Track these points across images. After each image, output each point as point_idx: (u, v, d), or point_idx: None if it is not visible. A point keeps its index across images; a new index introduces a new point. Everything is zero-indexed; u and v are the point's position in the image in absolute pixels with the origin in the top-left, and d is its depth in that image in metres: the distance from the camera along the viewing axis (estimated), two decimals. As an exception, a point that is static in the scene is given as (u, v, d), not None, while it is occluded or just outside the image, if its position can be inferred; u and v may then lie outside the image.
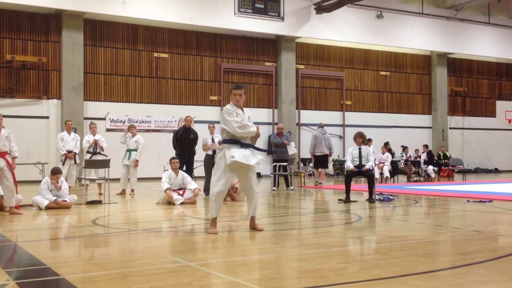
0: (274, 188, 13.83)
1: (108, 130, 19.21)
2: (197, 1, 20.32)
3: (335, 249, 5.31)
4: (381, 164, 17.37)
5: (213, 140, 11.82)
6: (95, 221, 7.69)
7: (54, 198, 9.41)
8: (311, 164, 21.98)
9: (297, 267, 4.58)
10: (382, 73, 25.62)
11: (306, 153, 22.77)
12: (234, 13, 21.05)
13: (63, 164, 12.17)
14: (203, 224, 7.57)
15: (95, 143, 12.46)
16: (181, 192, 10.25)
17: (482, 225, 7.00)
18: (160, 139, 19.73)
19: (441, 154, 22.13)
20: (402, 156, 19.46)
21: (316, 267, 4.47)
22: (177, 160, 10.58)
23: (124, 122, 19.34)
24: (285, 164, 13.87)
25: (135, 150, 12.75)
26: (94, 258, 5.11)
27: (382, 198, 10.60)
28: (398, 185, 16.08)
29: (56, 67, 19.08)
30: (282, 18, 22.00)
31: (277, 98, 23.01)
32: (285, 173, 13.90)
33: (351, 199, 10.39)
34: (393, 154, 18.73)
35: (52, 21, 19.05)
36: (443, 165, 21.37)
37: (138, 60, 20.56)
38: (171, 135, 13.94)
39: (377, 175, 16.02)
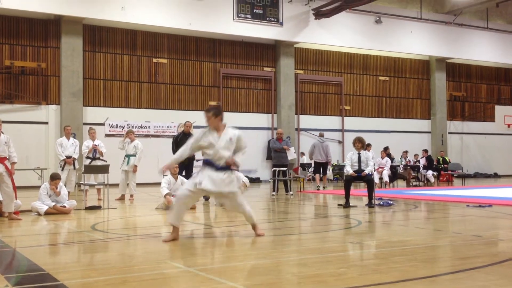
0: (274, 193, 13.82)
1: (107, 135, 19.21)
2: (196, 6, 20.37)
3: (335, 254, 5.30)
4: (380, 169, 17.37)
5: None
6: (94, 227, 7.68)
7: (53, 203, 9.39)
8: (311, 169, 22.10)
9: (297, 272, 4.57)
10: (381, 78, 25.66)
11: (305, 159, 22.80)
12: (233, 19, 21.10)
13: (62, 169, 12.15)
14: (203, 229, 7.56)
15: (94, 148, 12.46)
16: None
17: (481, 230, 7.00)
18: (159, 145, 19.72)
19: (440, 159, 22.13)
20: (402, 161, 19.46)
21: (315, 272, 4.46)
22: (177, 166, 10.57)
23: (123, 128, 19.34)
24: (284, 169, 13.87)
25: (134, 155, 12.75)
26: (93, 264, 5.10)
27: (381, 203, 10.59)
28: (397, 190, 16.08)
29: (55, 73, 19.10)
30: (281, 24, 22.05)
31: (276, 103, 23.03)
32: (285, 178, 13.90)
33: (351, 204, 10.38)
34: (392, 159, 18.73)
35: (51, 27, 19.08)
36: (442, 169, 21.37)
37: (137, 65, 20.58)
38: (170, 140, 13.92)
39: (376, 180, 16.21)
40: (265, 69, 23.00)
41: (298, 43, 23.10)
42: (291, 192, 13.60)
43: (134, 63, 20.53)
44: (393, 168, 18.07)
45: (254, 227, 6.50)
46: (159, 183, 10.62)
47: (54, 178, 9.59)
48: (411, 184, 19.03)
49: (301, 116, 23.52)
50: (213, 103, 21.62)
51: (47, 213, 9.18)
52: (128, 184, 12.73)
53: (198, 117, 20.78)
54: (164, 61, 21.04)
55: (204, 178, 6.08)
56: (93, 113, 19.51)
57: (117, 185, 12.96)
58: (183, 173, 11.78)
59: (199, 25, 20.47)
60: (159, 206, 10.29)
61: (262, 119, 22.82)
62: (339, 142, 24.27)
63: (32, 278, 4.41)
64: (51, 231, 7.72)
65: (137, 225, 8.35)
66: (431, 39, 25.67)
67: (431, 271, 4.48)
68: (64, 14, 18.49)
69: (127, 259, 5.22)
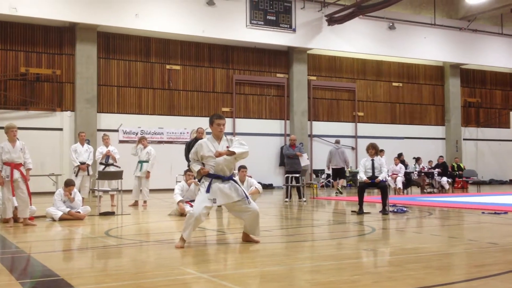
0: (287, 199, 13.79)
1: (121, 141, 19.30)
2: (209, 13, 20.46)
3: (349, 261, 5.26)
4: (394, 175, 17.28)
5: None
6: (108, 233, 7.71)
7: (68, 209, 9.46)
8: (323, 176, 22.10)
9: (310, 279, 4.55)
10: (394, 84, 25.54)
11: (318, 165, 22.75)
12: (246, 25, 21.15)
13: (76, 175, 12.22)
14: (216, 235, 7.56)
15: (108, 154, 12.53)
16: (193, 203, 10.23)
17: (497, 237, 6.91)
18: (172, 151, 19.77)
19: (455, 165, 21.95)
20: (416, 168, 19.32)
21: (329, 279, 4.43)
22: (192, 174, 10.51)
23: (136, 134, 19.44)
24: (297, 175, 13.84)
25: (147, 161, 12.81)
26: (107, 269, 5.12)
27: (395, 210, 10.52)
28: (411, 197, 15.96)
29: (70, 80, 19.26)
30: (294, 30, 22.07)
31: (289, 109, 23.01)
32: (298, 184, 13.87)
33: (364, 211, 10.32)
34: (406, 166, 18.61)
35: (66, 34, 19.26)
36: (457, 176, 21.19)
37: (151, 72, 20.70)
38: (183, 146, 13.97)
39: (392, 185, 16.77)
40: (278, 75, 23.01)
41: (311, 50, 23.09)
42: (304, 199, 13.56)
43: (148, 70, 20.65)
44: (407, 175, 17.96)
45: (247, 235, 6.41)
46: (172, 189, 10.66)
47: (69, 184, 9.66)
48: (425, 191, 18.88)
49: (314, 123, 23.47)
50: (226, 109, 21.66)
51: (61, 219, 9.24)
52: (141, 190, 12.78)
53: (211, 124, 20.87)
54: (177, 67, 21.14)
55: (216, 195, 6.13)
56: (107, 120, 19.64)
57: (130, 191, 13.02)
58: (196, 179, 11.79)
59: (212, 31, 20.55)
60: (173, 212, 10.31)
61: (275, 125, 22.80)
62: (352, 148, 24.16)
63: (47, 284, 4.43)
64: (66, 236, 7.77)
65: (150, 231, 8.37)
66: (445, 45, 25.53)
67: (446, 279, 4.43)
68: (79, 21, 18.66)
69: (140, 265, 5.23)
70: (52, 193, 10.53)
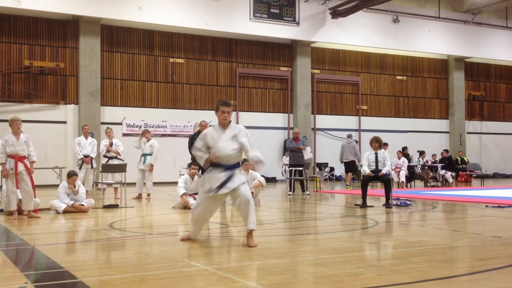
0: (290, 192, 13.80)
1: (124, 134, 19.32)
2: (213, 6, 20.41)
3: (352, 254, 5.27)
4: (397, 169, 17.26)
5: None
6: (111, 225, 7.74)
7: (72, 202, 9.49)
8: (327, 169, 22.10)
9: (314, 272, 4.56)
10: (398, 77, 25.47)
11: (321, 158, 22.76)
12: (250, 18, 21.10)
13: (80, 168, 12.26)
14: (219, 229, 7.58)
15: (108, 149, 12.54)
16: (197, 196, 10.24)
17: (501, 231, 6.91)
18: (176, 144, 19.79)
19: (459, 159, 21.90)
20: (419, 161, 19.29)
21: (332, 272, 4.44)
22: (196, 167, 10.49)
23: (140, 127, 19.45)
24: (300, 169, 13.84)
25: (150, 154, 12.82)
26: (111, 262, 5.14)
27: (399, 203, 10.51)
28: (415, 190, 15.95)
29: (73, 73, 19.28)
30: (298, 23, 22.00)
31: (293, 102, 22.98)
32: (301, 177, 13.87)
33: (368, 204, 10.32)
34: (410, 159, 18.59)
35: (70, 27, 19.26)
36: (460, 170, 21.15)
37: (154, 65, 20.69)
38: (186, 139, 13.96)
39: (396, 179, 16.74)
40: (282, 68, 22.97)
41: (314, 43, 23.02)
42: (308, 192, 13.57)
43: (151, 63, 20.64)
44: (410, 168, 17.95)
45: (249, 233, 5.84)
46: (176, 182, 10.67)
47: (71, 175, 9.70)
48: (429, 184, 18.86)
49: (317, 116, 23.45)
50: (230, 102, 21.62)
51: (65, 212, 9.28)
52: (144, 183, 12.81)
53: (214, 117, 20.80)
54: (181, 61, 21.12)
55: (215, 184, 5.79)
56: (110, 113, 19.66)
57: (134, 184, 13.05)
58: (200, 172, 11.79)
59: (216, 25, 20.51)
60: (176, 205, 10.33)
61: (279, 119, 22.78)
62: (356, 142, 24.09)
63: (51, 276, 4.46)
64: (70, 229, 7.80)
65: (154, 224, 8.39)
66: (449, 38, 25.42)
67: (449, 272, 4.44)
68: (82, 14, 18.65)
69: (144, 257, 5.25)
70: (56, 186, 10.57)
